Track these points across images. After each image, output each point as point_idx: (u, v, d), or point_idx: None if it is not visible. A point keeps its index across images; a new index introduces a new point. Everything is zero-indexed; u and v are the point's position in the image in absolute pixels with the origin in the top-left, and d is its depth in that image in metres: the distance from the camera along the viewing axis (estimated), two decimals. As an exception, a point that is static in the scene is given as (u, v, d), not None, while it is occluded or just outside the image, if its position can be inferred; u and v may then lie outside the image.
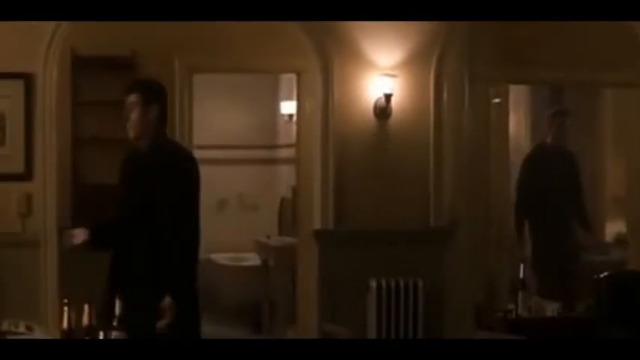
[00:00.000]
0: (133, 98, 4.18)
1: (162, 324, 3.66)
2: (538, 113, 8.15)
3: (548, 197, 6.96)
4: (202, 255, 9.80)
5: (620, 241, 7.48)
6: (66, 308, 3.23)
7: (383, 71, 6.42)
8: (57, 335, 3.32)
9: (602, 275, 6.36)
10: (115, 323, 3.20)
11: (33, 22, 5.68)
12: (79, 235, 3.99)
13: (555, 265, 6.75)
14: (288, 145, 8.63)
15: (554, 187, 6.97)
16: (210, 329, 7.92)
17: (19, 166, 5.83)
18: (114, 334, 3.17)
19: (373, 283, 6.39)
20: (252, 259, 8.98)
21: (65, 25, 5.98)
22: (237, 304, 8.76)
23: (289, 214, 8.81)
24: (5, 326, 3.57)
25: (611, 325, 5.43)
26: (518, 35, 6.67)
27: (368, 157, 6.50)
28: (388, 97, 6.43)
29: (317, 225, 6.49)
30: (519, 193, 7.08)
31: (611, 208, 7.42)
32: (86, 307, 3.25)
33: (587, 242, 7.14)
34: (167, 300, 3.72)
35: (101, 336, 3.17)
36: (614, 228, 7.38)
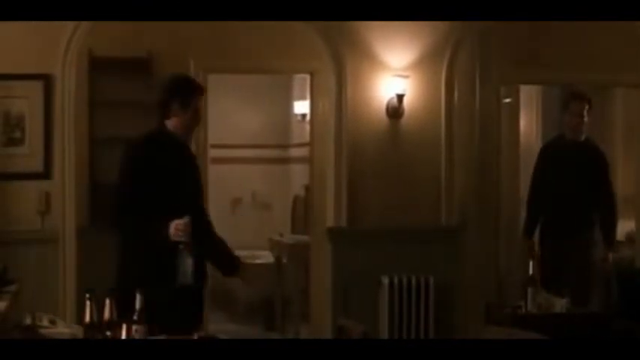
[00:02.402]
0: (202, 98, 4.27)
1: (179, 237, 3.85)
2: (548, 113, 8.18)
3: (561, 195, 6.31)
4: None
5: (630, 239, 7.51)
6: (88, 302, 3.28)
7: (395, 72, 6.49)
8: (79, 329, 3.38)
9: (611, 273, 6.44)
10: (135, 317, 3.25)
11: (51, 25, 5.77)
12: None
13: (565, 263, 6.54)
14: (302, 145, 8.66)
15: (569, 185, 6.29)
16: (224, 326, 8.03)
17: (38, 165, 5.95)
18: (135, 328, 3.22)
19: (385, 280, 6.46)
20: (266, 257, 9.01)
21: (83, 28, 6.08)
22: (251, 301, 8.82)
23: (302, 212, 8.85)
24: (29, 320, 3.63)
25: (620, 322, 5.48)
26: (529, 36, 6.71)
27: (380, 157, 6.56)
28: (400, 97, 6.50)
29: (330, 223, 6.57)
30: (531, 189, 6.51)
31: (622, 206, 7.42)
32: (107, 301, 3.31)
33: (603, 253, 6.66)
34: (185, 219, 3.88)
35: (123, 330, 3.22)
36: (624, 226, 7.38)
